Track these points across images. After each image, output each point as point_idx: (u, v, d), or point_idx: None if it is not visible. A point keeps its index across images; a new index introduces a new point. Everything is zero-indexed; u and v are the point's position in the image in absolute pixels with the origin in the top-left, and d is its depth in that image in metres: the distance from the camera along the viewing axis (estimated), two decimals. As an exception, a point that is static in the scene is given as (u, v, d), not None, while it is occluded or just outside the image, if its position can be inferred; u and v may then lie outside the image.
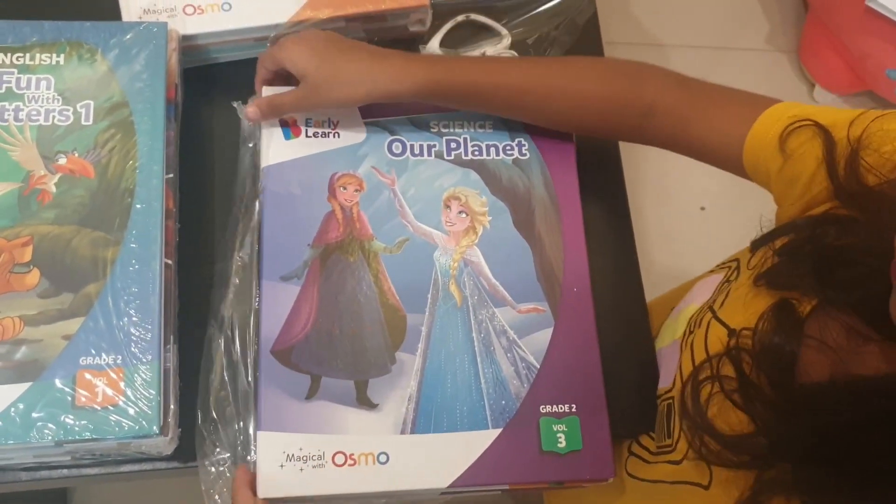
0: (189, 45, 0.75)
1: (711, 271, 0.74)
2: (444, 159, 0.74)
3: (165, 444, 0.61)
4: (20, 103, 0.67)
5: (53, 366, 0.60)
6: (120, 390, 0.60)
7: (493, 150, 0.75)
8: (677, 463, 0.63)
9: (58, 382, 0.59)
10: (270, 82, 0.72)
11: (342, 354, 0.66)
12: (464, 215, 0.72)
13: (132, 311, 0.62)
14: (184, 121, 0.74)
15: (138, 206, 0.65)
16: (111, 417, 0.59)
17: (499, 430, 0.65)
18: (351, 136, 0.74)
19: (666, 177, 1.65)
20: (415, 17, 0.79)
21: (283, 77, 0.71)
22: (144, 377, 0.60)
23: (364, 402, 0.65)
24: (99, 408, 0.59)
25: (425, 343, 0.68)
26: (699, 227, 1.66)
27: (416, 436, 0.65)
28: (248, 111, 0.71)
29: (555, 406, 0.67)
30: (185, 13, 0.74)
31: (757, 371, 0.54)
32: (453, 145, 0.75)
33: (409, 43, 0.81)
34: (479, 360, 0.68)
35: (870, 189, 0.53)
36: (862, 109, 0.58)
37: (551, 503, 0.96)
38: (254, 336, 0.67)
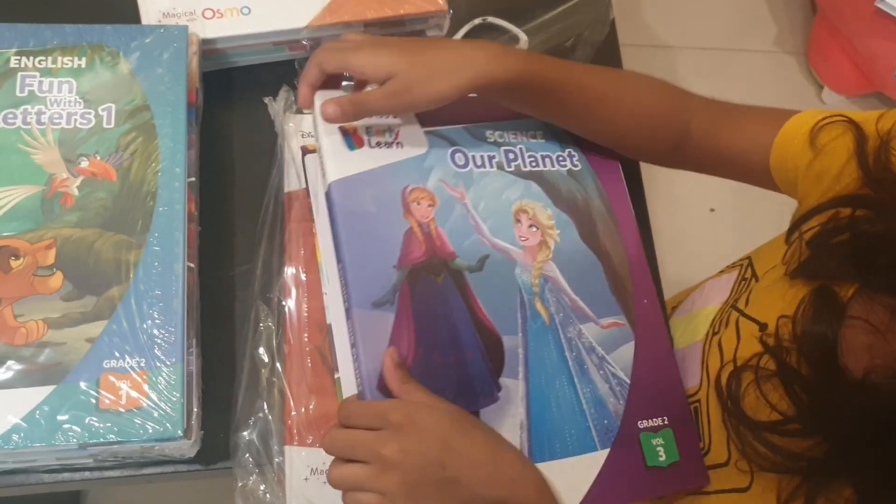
0: (208, 49, 0.75)
1: (720, 272, 0.75)
2: (504, 171, 0.70)
3: (188, 447, 0.62)
4: (42, 106, 0.68)
5: (77, 368, 0.60)
6: (144, 393, 0.60)
7: (548, 160, 0.72)
8: (724, 465, 0.63)
9: (82, 385, 0.60)
10: (318, 86, 0.66)
11: (449, 385, 0.61)
12: (534, 229, 0.69)
13: (155, 314, 0.62)
14: (204, 124, 0.74)
15: (161, 209, 0.66)
16: (135, 420, 0.59)
17: (607, 451, 0.63)
18: (413, 147, 0.68)
19: (675, 178, 1.65)
20: (433, 21, 0.79)
21: (330, 82, 0.66)
22: (168, 380, 0.61)
23: None
24: (123, 410, 0.59)
25: (524, 366, 0.64)
26: (708, 228, 1.67)
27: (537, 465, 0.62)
28: (326, 110, 0.62)
29: (650, 420, 0.65)
30: (205, 17, 0.75)
31: (798, 357, 0.54)
32: (511, 156, 0.71)
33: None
34: (576, 379, 0.65)
35: None
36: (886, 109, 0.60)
37: None
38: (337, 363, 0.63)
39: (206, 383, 0.66)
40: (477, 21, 0.83)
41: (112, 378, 0.60)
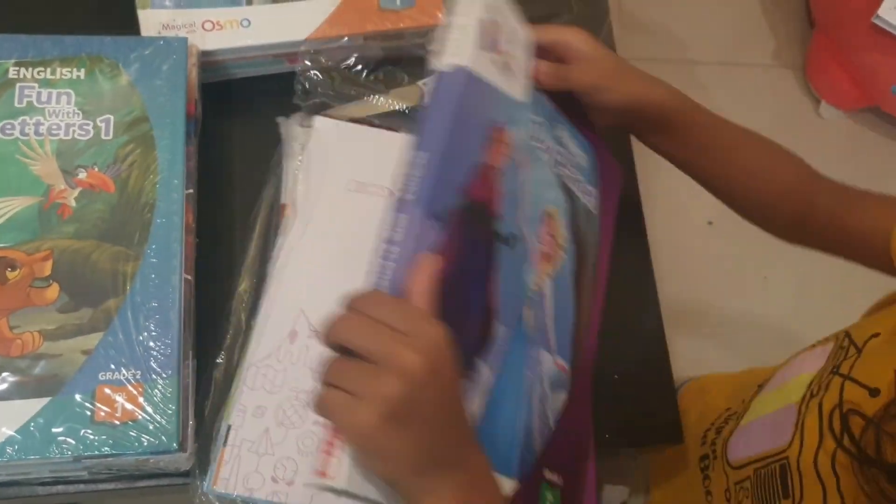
0: (208, 61, 0.75)
1: (812, 346, 0.75)
2: (551, 169, 0.67)
3: (184, 460, 0.61)
4: (41, 117, 0.68)
5: (73, 381, 0.60)
6: (139, 405, 0.60)
7: (580, 187, 0.71)
8: None
9: (77, 397, 0.59)
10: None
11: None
12: (550, 237, 0.65)
13: (152, 326, 0.62)
14: (203, 136, 0.74)
15: (158, 220, 0.65)
16: (130, 432, 0.59)
17: (515, 484, 0.58)
18: (518, 88, 0.61)
19: (673, 191, 1.65)
20: (433, 35, 0.79)
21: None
22: (164, 392, 0.60)
23: None
24: (118, 423, 0.59)
25: (501, 361, 0.59)
26: (707, 241, 1.67)
27: None
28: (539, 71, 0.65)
29: (552, 474, 0.63)
30: (204, 29, 0.75)
31: None
32: (560, 159, 0.68)
33: (426, 61, 0.81)
34: (524, 400, 0.61)
35: None
36: None
37: None
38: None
39: (201, 396, 0.65)
40: (476, 35, 0.83)
41: (108, 390, 0.60)
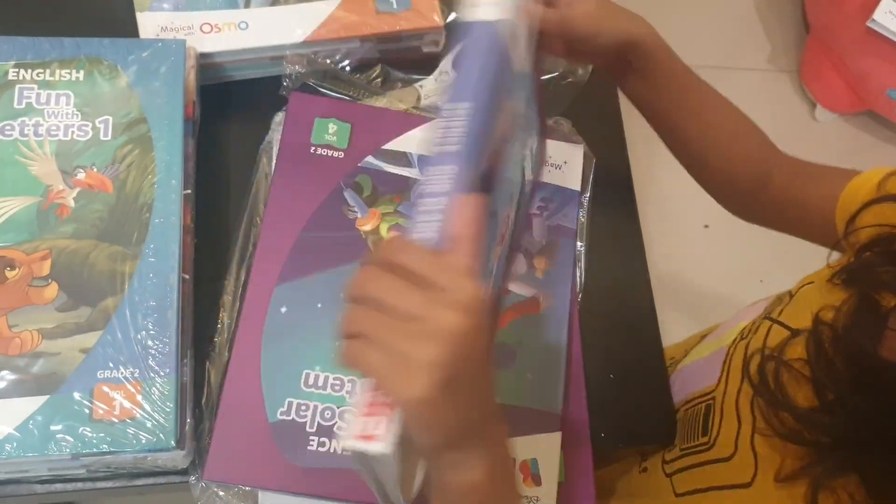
0: (206, 63, 0.76)
1: (754, 303, 0.76)
2: (521, 149, 0.62)
3: (181, 458, 0.62)
4: (40, 118, 0.68)
5: (71, 379, 0.60)
6: (137, 403, 0.60)
7: (526, 171, 0.64)
8: (727, 459, 0.64)
9: (76, 395, 0.60)
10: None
11: None
12: (506, 219, 0.60)
13: (150, 325, 0.63)
14: (200, 137, 0.75)
15: (156, 220, 0.66)
16: (128, 430, 0.59)
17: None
18: (519, 56, 0.55)
19: (669, 195, 1.66)
20: (429, 38, 0.80)
21: None
22: (162, 390, 0.61)
23: None
24: (116, 420, 0.59)
25: None
26: (702, 245, 1.67)
27: None
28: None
29: None
30: (202, 31, 0.75)
31: (834, 352, 0.55)
32: (525, 138, 0.62)
33: (423, 63, 0.82)
34: None
35: None
36: None
37: None
38: None
39: (199, 394, 0.66)
40: (472, 37, 0.83)
41: (106, 388, 0.60)
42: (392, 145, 0.76)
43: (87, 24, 0.74)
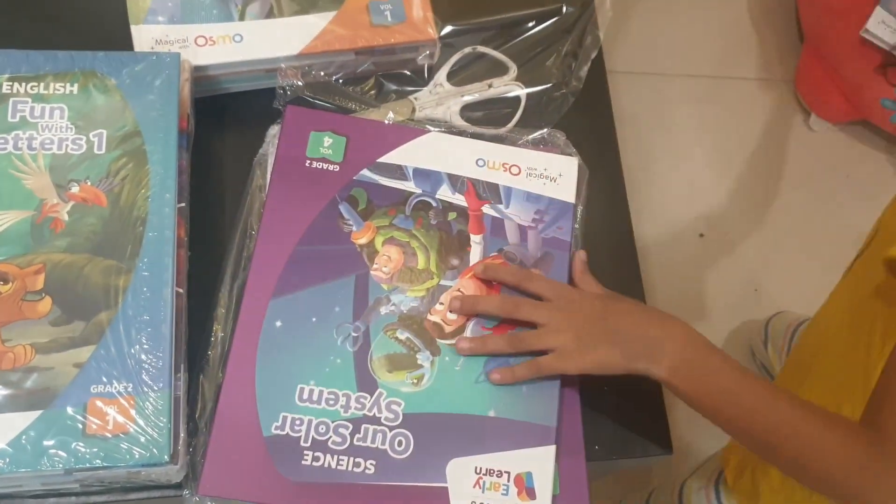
0: (200, 76, 0.76)
1: None
2: None
3: (175, 473, 0.62)
4: (34, 132, 0.68)
5: (64, 393, 0.60)
6: (131, 418, 0.60)
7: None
8: None
9: (69, 410, 0.60)
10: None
11: None
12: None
13: (143, 339, 0.63)
14: (195, 150, 0.75)
15: (150, 234, 0.66)
16: (122, 445, 0.59)
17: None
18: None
19: (664, 203, 1.66)
20: (423, 50, 0.80)
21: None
22: (155, 405, 0.61)
23: None
24: (110, 435, 0.59)
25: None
26: (697, 253, 1.68)
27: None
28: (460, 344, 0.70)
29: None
30: (197, 44, 0.76)
31: None
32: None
33: (418, 75, 0.82)
34: None
35: None
36: None
37: None
38: None
39: (192, 408, 0.66)
40: (467, 50, 0.84)
41: (99, 403, 0.60)
42: (387, 158, 0.77)
43: (82, 38, 0.74)
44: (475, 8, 0.86)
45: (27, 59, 0.70)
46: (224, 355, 0.68)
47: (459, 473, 0.67)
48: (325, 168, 0.75)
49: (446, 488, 0.66)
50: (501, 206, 0.77)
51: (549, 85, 0.84)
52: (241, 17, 0.77)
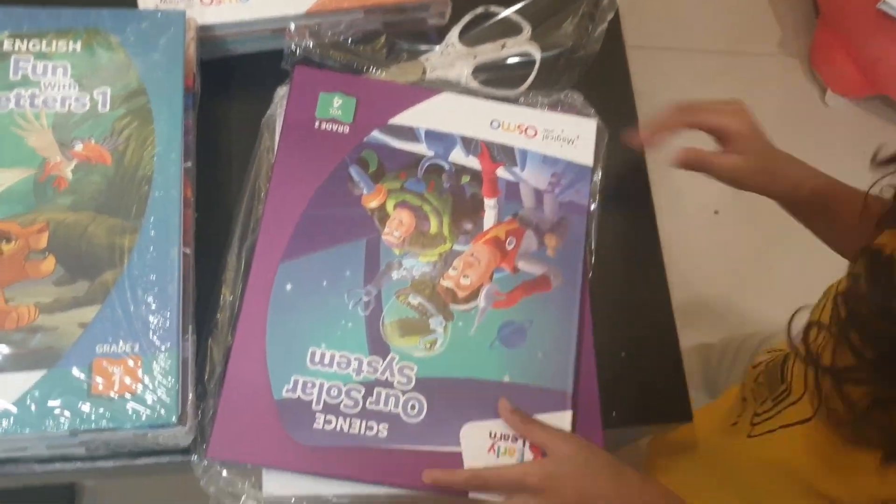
0: (206, 36, 0.74)
1: None
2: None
3: (183, 435, 0.60)
4: (36, 90, 0.66)
5: (69, 353, 0.59)
6: (137, 378, 0.59)
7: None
8: (795, 402, 0.67)
9: (74, 370, 0.58)
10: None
11: None
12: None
13: (150, 299, 0.61)
14: (202, 111, 0.73)
15: (156, 193, 0.64)
16: (128, 406, 0.58)
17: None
18: None
19: (679, 180, 1.64)
20: (434, 9, 0.78)
21: None
22: (163, 365, 0.59)
23: None
24: (116, 396, 0.58)
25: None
26: (713, 230, 1.65)
27: None
28: (680, 156, 0.73)
29: None
30: (203, 3, 0.74)
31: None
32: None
33: (428, 35, 0.80)
34: None
35: None
36: None
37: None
38: None
39: (202, 371, 0.64)
40: (479, 10, 0.81)
41: (105, 363, 0.59)
42: (398, 120, 0.75)
43: (85, -5, 0.72)
44: (487, -34, 0.83)
45: (29, 15, 0.69)
46: (233, 318, 0.66)
47: (474, 438, 0.65)
48: (334, 129, 0.73)
49: (460, 453, 0.64)
50: (516, 169, 0.75)
51: (566, 47, 0.82)
52: (248, -24, 0.75)
